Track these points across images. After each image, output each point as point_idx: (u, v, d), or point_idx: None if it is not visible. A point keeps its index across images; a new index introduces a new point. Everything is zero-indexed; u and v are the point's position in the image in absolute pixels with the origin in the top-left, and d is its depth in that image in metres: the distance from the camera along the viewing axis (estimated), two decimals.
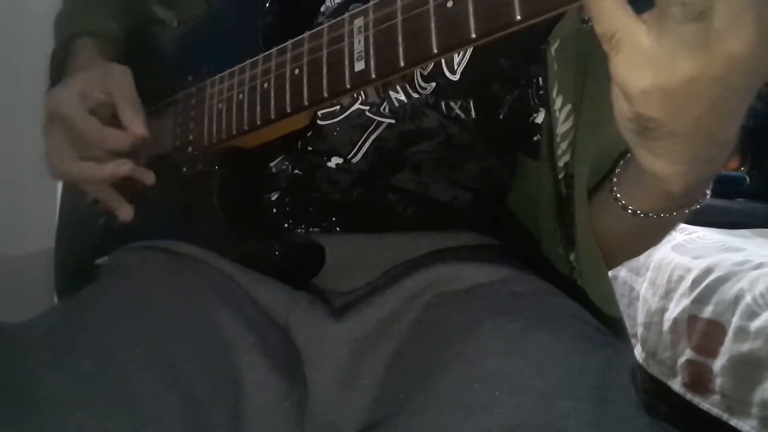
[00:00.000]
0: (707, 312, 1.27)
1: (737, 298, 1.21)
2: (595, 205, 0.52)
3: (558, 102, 0.52)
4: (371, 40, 0.43)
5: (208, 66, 0.59)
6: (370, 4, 0.43)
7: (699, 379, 1.25)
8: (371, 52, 0.43)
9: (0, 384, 0.36)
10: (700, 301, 1.29)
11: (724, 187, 1.79)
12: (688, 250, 1.44)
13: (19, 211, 1.25)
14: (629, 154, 0.48)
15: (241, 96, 0.54)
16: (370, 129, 0.57)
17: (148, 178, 0.59)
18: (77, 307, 0.48)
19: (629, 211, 0.46)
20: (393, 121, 0.57)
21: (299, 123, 0.54)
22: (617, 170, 0.49)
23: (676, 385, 1.31)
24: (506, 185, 0.64)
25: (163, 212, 0.62)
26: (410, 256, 0.55)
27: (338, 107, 0.57)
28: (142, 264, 0.56)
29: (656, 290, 1.45)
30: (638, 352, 1.46)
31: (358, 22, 0.44)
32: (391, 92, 0.57)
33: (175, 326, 0.45)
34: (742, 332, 1.17)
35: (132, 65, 0.59)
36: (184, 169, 0.61)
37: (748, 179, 1.88)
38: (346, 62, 0.44)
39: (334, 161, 0.57)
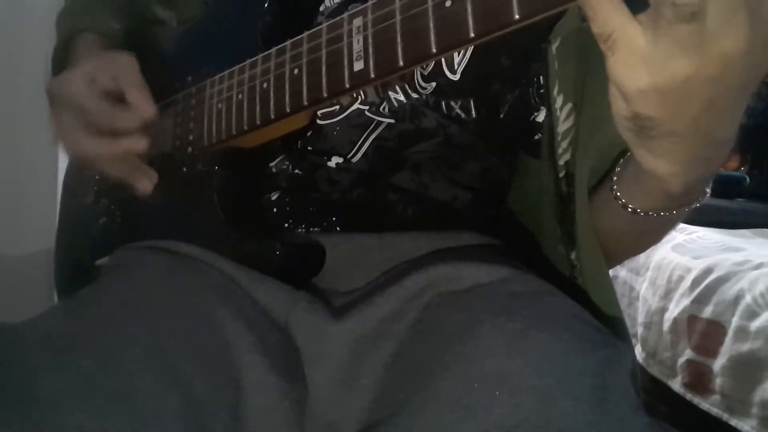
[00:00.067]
0: (707, 312, 1.27)
1: (737, 298, 1.21)
2: (595, 204, 0.52)
3: (558, 101, 0.52)
4: (370, 39, 0.43)
5: (207, 66, 0.59)
6: (369, 3, 0.43)
7: (699, 379, 1.25)
8: (370, 52, 0.43)
9: (0, 384, 0.36)
10: (700, 301, 1.29)
11: (724, 187, 1.79)
12: (688, 250, 1.44)
13: (19, 211, 1.25)
14: (629, 153, 0.48)
15: (240, 96, 0.54)
16: (370, 129, 0.57)
17: (151, 176, 0.59)
18: (77, 307, 0.48)
19: (629, 209, 0.47)
20: (393, 120, 0.57)
21: (299, 123, 0.54)
22: (617, 169, 0.49)
23: (676, 385, 1.31)
24: (506, 185, 0.64)
25: (163, 212, 0.62)
26: (410, 256, 0.55)
27: (338, 107, 0.57)
28: (142, 264, 0.56)
29: (656, 290, 1.45)
30: (638, 352, 1.46)
31: (357, 21, 0.44)
32: (390, 92, 0.57)
33: (175, 326, 0.45)
34: (742, 332, 1.17)
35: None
36: (184, 170, 0.61)
37: (748, 179, 1.88)
38: (345, 62, 0.44)
39: (334, 161, 0.57)
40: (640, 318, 1.49)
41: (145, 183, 0.59)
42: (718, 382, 1.19)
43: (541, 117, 0.57)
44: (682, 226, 1.51)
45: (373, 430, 0.42)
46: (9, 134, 1.23)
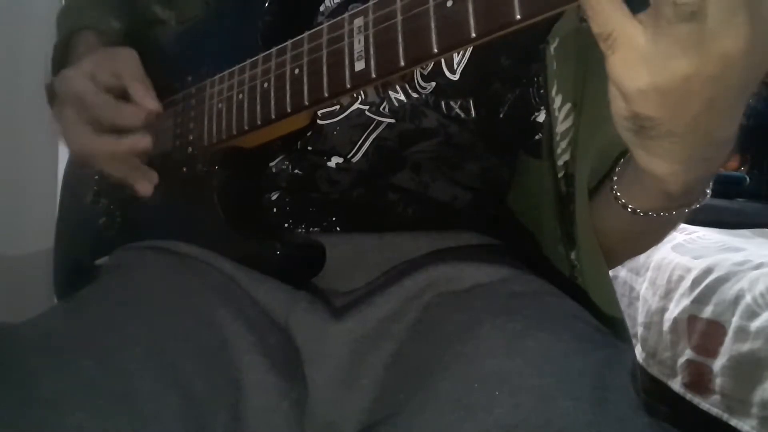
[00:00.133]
0: (707, 312, 1.27)
1: (737, 298, 1.21)
2: (595, 204, 0.52)
3: (557, 101, 0.52)
4: (371, 39, 0.43)
5: (207, 66, 0.59)
6: (370, 3, 0.43)
7: (699, 379, 1.25)
8: (371, 52, 0.43)
9: (0, 384, 0.36)
10: (700, 301, 1.29)
11: (724, 187, 1.79)
12: (688, 250, 1.44)
13: (19, 211, 1.25)
14: (629, 154, 0.48)
15: (241, 96, 0.54)
16: (370, 128, 0.57)
17: (151, 177, 0.59)
18: (77, 307, 0.48)
19: (629, 210, 0.46)
20: (393, 120, 0.57)
21: (299, 123, 0.54)
22: (617, 169, 0.49)
23: (676, 385, 1.31)
24: (506, 185, 0.64)
25: (163, 212, 0.62)
26: (410, 256, 0.55)
27: (338, 107, 0.57)
28: (142, 264, 0.56)
29: (656, 290, 1.45)
30: (638, 352, 1.46)
31: (358, 21, 0.44)
32: (390, 92, 0.57)
33: (175, 326, 0.45)
34: (742, 332, 1.17)
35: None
36: (185, 170, 0.61)
37: (748, 179, 1.88)
38: (346, 62, 0.44)
39: (334, 161, 0.57)
40: (640, 318, 1.49)
41: (145, 184, 0.59)
42: (718, 382, 1.19)
43: (541, 117, 0.57)
44: (682, 226, 1.51)
45: (373, 430, 0.42)
46: (9, 134, 1.23)
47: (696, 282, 1.32)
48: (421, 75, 0.56)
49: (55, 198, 0.83)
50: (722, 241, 1.47)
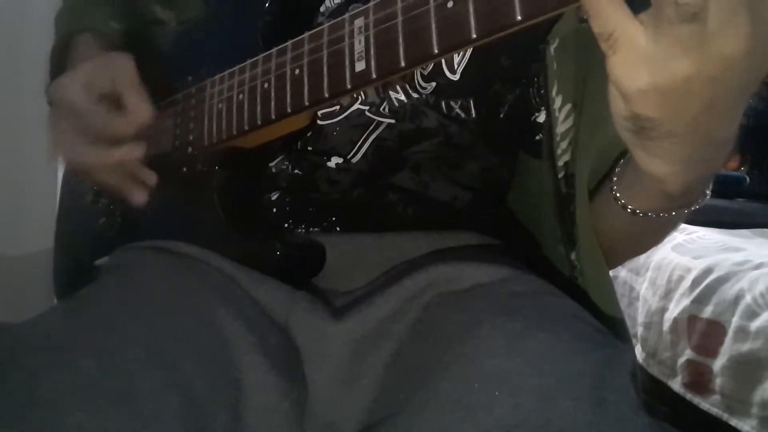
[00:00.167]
0: (707, 312, 1.27)
1: (737, 298, 1.21)
2: (595, 205, 0.52)
3: (558, 101, 0.52)
4: (372, 40, 0.43)
5: (207, 66, 0.59)
6: (371, 4, 0.43)
7: (699, 379, 1.25)
8: (372, 53, 0.43)
9: (0, 384, 0.36)
10: (700, 301, 1.29)
11: (724, 187, 1.79)
12: (688, 250, 1.44)
13: (19, 211, 1.25)
14: (629, 154, 0.48)
15: (241, 96, 0.54)
16: (370, 129, 0.57)
17: (150, 178, 0.59)
18: (77, 307, 0.48)
19: (629, 210, 0.46)
20: (393, 120, 0.57)
21: (299, 123, 0.54)
22: (617, 170, 0.49)
23: (676, 385, 1.31)
24: (506, 185, 0.64)
25: (163, 212, 0.62)
26: (410, 256, 0.55)
27: (338, 107, 0.57)
28: (142, 264, 0.56)
29: (656, 290, 1.45)
30: (638, 352, 1.46)
31: (359, 22, 0.44)
32: (390, 92, 0.57)
33: (175, 326, 0.45)
34: (742, 332, 1.17)
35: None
36: (185, 170, 0.61)
37: (748, 179, 1.88)
38: (347, 62, 0.44)
39: (334, 161, 0.57)
40: (640, 318, 1.49)
41: (139, 195, 0.59)
42: (718, 382, 1.19)
43: (541, 117, 0.57)
44: (682, 226, 1.51)
45: (373, 430, 0.42)
46: (9, 134, 1.23)
47: (696, 282, 1.32)
48: (422, 75, 0.56)
49: (55, 198, 0.83)
50: (722, 241, 1.47)
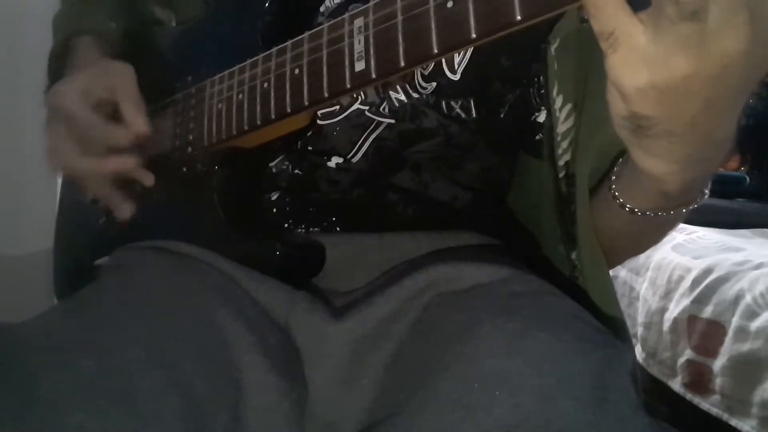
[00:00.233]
0: (707, 312, 1.27)
1: (737, 298, 1.21)
2: (595, 204, 0.52)
3: (558, 101, 0.52)
4: (371, 40, 0.43)
5: (207, 66, 0.59)
6: (371, 4, 0.43)
7: (699, 379, 1.25)
8: (371, 52, 0.43)
9: (0, 384, 0.36)
10: (700, 301, 1.29)
11: (724, 187, 1.79)
12: (688, 250, 1.44)
13: (19, 211, 1.25)
14: (627, 153, 0.48)
15: (240, 96, 0.54)
16: (370, 129, 0.57)
17: (148, 179, 0.59)
18: (77, 307, 0.48)
19: (627, 209, 0.47)
20: (393, 120, 0.57)
21: (299, 123, 0.54)
22: (615, 169, 0.49)
23: (676, 385, 1.31)
24: (506, 185, 0.64)
25: (163, 212, 0.62)
26: (410, 256, 0.55)
27: (338, 107, 0.57)
28: (142, 264, 0.56)
29: (656, 290, 1.45)
30: (638, 352, 1.46)
31: (358, 22, 0.44)
32: (390, 92, 0.57)
33: (175, 326, 0.45)
34: (742, 332, 1.17)
35: (131, 65, 0.59)
36: (184, 170, 0.61)
37: (748, 179, 1.88)
38: (347, 62, 0.44)
39: (334, 161, 0.57)
40: (640, 318, 1.49)
41: (124, 209, 0.59)
42: (718, 382, 1.19)
43: (542, 117, 0.57)
44: (682, 226, 1.51)
45: (373, 430, 0.42)
46: (9, 134, 1.23)
47: (696, 282, 1.32)
48: (422, 75, 0.56)
49: (55, 198, 0.83)
50: (722, 241, 1.47)
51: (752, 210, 1.75)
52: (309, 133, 0.57)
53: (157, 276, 0.53)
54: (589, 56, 0.50)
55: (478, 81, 0.57)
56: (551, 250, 0.58)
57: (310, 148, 0.58)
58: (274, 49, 0.51)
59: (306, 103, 0.48)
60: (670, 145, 0.36)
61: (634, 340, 1.47)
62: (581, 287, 0.53)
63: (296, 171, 0.58)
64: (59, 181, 0.83)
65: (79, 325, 0.44)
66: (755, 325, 1.15)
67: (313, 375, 0.48)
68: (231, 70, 0.55)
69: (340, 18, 0.45)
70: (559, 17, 0.49)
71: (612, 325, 0.51)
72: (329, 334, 0.49)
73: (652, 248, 0.62)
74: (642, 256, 1.53)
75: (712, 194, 0.46)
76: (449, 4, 0.38)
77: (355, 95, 0.57)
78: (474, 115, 0.58)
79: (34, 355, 0.39)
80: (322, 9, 0.58)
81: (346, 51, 0.44)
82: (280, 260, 0.54)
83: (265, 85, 0.51)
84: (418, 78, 0.56)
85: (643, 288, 1.52)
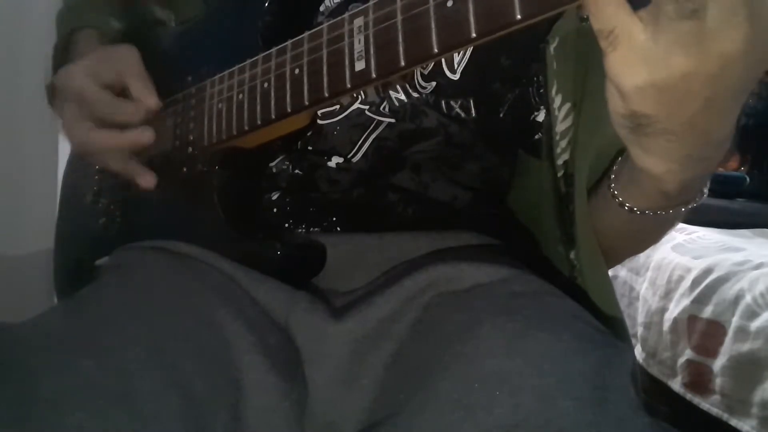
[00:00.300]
0: (707, 312, 1.27)
1: (737, 298, 1.21)
2: (594, 203, 0.52)
3: (557, 100, 0.52)
4: (371, 39, 0.43)
5: (207, 66, 0.59)
6: (370, 3, 0.43)
7: (699, 379, 1.25)
8: (371, 52, 0.43)
9: (0, 384, 0.36)
10: (700, 301, 1.29)
11: (724, 187, 1.79)
12: (688, 250, 1.44)
13: (19, 211, 1.25)
14: (626, 152, 0.48)
15: (241, 96, 0.54)
16: (370, 128, 0.57)
17: (150, 179, 0.59)
18: (77, 307, 0.48)
19: (626, 208, 0.47)
20: (393, 120, 0.57)
21: (299, 123, 0.54)
22: (614, 168, 0.49)
23: (676, 385, 1.31)
24: (506, 185, 0.64)
25: (163, 212, 0.62)
26: (410, 256, 0.55)
27: (338, 107, 0.57)
28: (142, 264, 0.56)
29: (656, 290, 1.45)
30: (638, 352, 1.46)
31: (358, 21, 0.44)
32: (391, 92, 0.57)
33: (175, 326, 0.45)
34: (742, 332, 1.17)
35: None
36: (185, 170, 0.61)
37: (748, 179, 1.88)
38: (347, 62, 0.44)
39: (334, 161, 0.57)
40: (640, 318, 1.49)
41: (147, 177, 0.59)
42: (718, 382, 1.19)
43: (541, 117, 0.57)
44: (682, 226, 1.51)
45: (373, 430, 0.42)
46: (9, 134, 1.23)
47: (696, 282, 1.32)
48: (422, 74, 0.56)
49: (55, 198, 0.83)
50: (722, 241, 1.47)
51: (752, 210, 1.75)
52: (309, 133, 0.57)
53: (157, 276, 0.53)
54: (589, 55, 0.50)
55: (477, 80, 0.57)
56: (551, 249, 0.58)
57: (310, 147, 0.58)
58: (274, 49, 0.51)
59: (306, 103, 0.48)
60: (668, 144, 0.36)
61: (634, 340, 1.47)
62: (581, 287, 0.53)
63: (296, 171, 0.58)
64: (59, 181, 0.83)
65: (79, 325, 0.44)
66: (755, 325, 1.15)
67: (313, 375, 0.48)
68: (231, 70, 0.55)
69: (340, 18, 0.45)
70: (558, 16, 0.49)
71: (611, 325, 0.51)
72: (329, 334, 0.49)
73: (652, 248, 0.62)
74: (642, 256, 1.53)
75: (712, 194, 0.46)
76: (449, 4, 0.38)
77: (355, 95, 0.57)
78: (473, 115, 0.58)
79: (34, 355, 0.39)
80: (321, 8, 0.58)
81: (346, 50, 0.44)
82: (280, 260, 0.54)
83: (266, 85, 0.51)
84: (418, 77, 0.56)
85: (643, 288, 1.52)
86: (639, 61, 0.33)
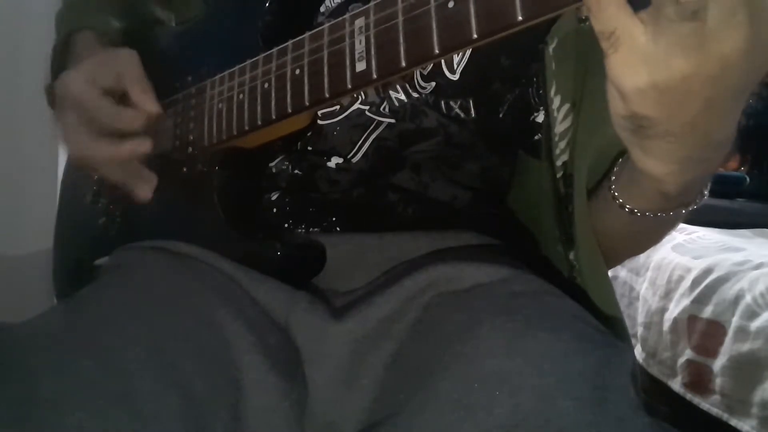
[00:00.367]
0: (707, 312, 1.27)
1: (737, 298, 1.21)
2: (594, 204, 0.52)
3: (556, 101, 0.52)
4: (372, 40, 0.43)
5: (207, 66, 0.59)
6: (371, 4, 0.43)
7: (699, 379, 1.25)
8: (372, 53, 0.43)
9: (0, 384, 0.36)
10: (700, 301, 1.29)
11: (724, 187, 1.79)
12: (688, 250, 1.44)
13: (19, 211, 1.25)
14: (627, 154, 0.48)
15: (241, 96, 0.54)
16: (370, 129, 0.57)
17: (151, 180, 0.59)
18: (77, 307, 0.48)
19: (627, 210, 0.47)
20: (393, 120, 0.57)
21: (299, 123, 0.54)
22: (615, 169, 0.49)
23: (676, 385, 1.31)
24: (506, 185, 0.64)
25: (163, 212, 0.62)
26: (410, 256, 0.55)
27: (338, 107, 0.57)
28: (142, 264, 0.56)
29: (656, 290, 1.45)
30: (638, 352, 1.46)
31: (359, 22, 0.44)
32: (391, 92, 0.57)
33: (175, 326, 0.45)
34: (742, 332, 1.17)
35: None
36: (185, 170, 0.61)
37: (748, 179, 1.88)
38: (348, 62, 0.44)
39: (334, 161, 0.57)
40: (640, 318, 1.49)
41: (145, 188, 0.59)
42: (718, 382, 1.19)
43: (540, 117, 0.57)
44: (682, 226, 1.51)
45: (373, 430, 0.42)
46: (9, 134, 1.23)
47: (696, 282, 1.32)
48: (421, 75, 0.56)
49: (55, 198, 0.83)
50: (722, 241, 1.47)
51: (752, 210, 1.75)
52: (309, 133, 0.57)
53: (157, 276, 0.53)
54: (588, 56, 0.50)
55: (477, 81, 0.57)
56: (551, 250, 0.58)
57: (310, 148, 0.58)
58: (274, 50, 0.51)
59: (307, 104, 0.48)
60: (668, 145, 0.36)
61: (634, 340, 1.47)
62: (581, 287, 0.53)
63: (296, 171, 0.58)
64: (59, 181, 0.83)
65: (79, 325, 0.44)
66: (755, 325, 1.15)
67: (313, 375, 0.48)
68: (231, 70, 0.55)
69: (341, 18, 0.45)
70: (557, 17, 0.49)
71: (611, 325, 0.51)
72: (329, 334, 0.49)
73: (652, 248, 0.62)
74: (642, 256, 1.53)
75: (712, 194, 0.46)
76: (450, 5, 0.38)
77: (355, 95, 0.57)
78: (473, 115, 0.58)
79: (34, 355, 0.39)
80: (322, 9, 0.58)
81: (347, 51, 0.44)
82: (280, 260, 0.54)
83: (266, 85, 0.51)
84: (418, 78, 0.56)
85: (643, 288, 1.52)
86: (640, 62, 0.33)
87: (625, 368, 0.39)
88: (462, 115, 0.58)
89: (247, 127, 0.53)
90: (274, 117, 0.51)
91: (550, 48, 0.50)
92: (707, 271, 1.32)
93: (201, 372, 0.43)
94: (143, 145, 0.56)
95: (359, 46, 0.44)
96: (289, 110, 0.49)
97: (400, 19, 0.41)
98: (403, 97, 0.57)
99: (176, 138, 0.62)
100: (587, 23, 0.34)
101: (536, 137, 0.58)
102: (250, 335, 0.47)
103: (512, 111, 0.59)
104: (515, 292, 0.47)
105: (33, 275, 1.00)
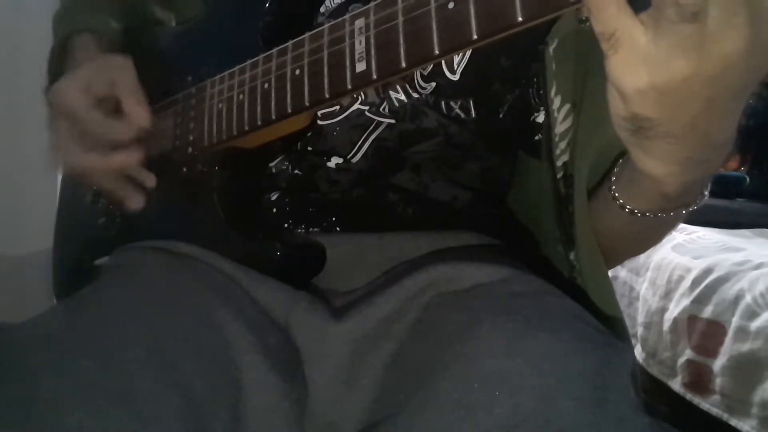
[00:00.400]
0: (707, 312, 1.27)
1: (737, 298, 1.21)
2: (595, 205, 0.52)
3: (556, 102, 0.52)
4: (372, 40, 0.43)
5: (207, 66, 0.59)
6: (371, 4, 0.43)
7: (699, 379, 1.25)
8: (372, 53, 0.43)
9: (0, 384, 0.36)
10: (700, 301, 1.29)
11: (724, 187, 1.79)
12: (688, 250, 1.44)
13: (19, 211, 1.25)
14: (627, 154, 0.48)
15: (241, 96, 0.54)
16: (370, 129, 0.57)
17: (149, 180, 0.59)
18: (77, 307, 0.48)
19: (627, 210, 0.47)
20: (393, 121, 0.57)
21: (299, 123, 0.54)
22: (615, 170, 0.49)
23: (676, 385, 1.31)
24: (506, 185, 0.64)
25: (163, 212, 0.62)
26: (410, 256, 0.55)
27: (338, 107, 0.57)
28: (142, 264, 0.56)
29: (656, 290, 1.45)
30: (638, 352, 1.46)
31: (359, 22, 0.44)
32: (391, 92, 0.57)
33: (175, 326, 0.45)
34: (742, 332, 1.17)
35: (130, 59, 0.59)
36: (185, 170, 0.61)
37: (748, 179, 1.88)
38: (348, 63, 0.44)
39: (334, 161, 0.57)
40: (640, 318, 1.49)
41: (135, 200, 0.59)
42: (718, 382, 1.19)
43: (541, 118, 0.57)
44: (682, 226, 1.51)
45: (373, 430, 0.42)
46: (9, 134, 1.23)
47: (696, 282, 1.32)
48: (422, 75, 0.56)
49: (55, 198, 0.83)
50: (722, 241, 1.47)
51: (752, 210, 1.75)
52: (309, 134, 0.57)
53: (157, 276, 0.53)
54: (588, 56, 0.50)
55: (477, 81, 0.57)
56: (551, 250, 0.58)
57: (310, 148, 0.58)
58: (274, 50, 0.51)
59: (307, 104, 0.48)
60: (669, 146, 0.37)
61: (634, 340, 1.47)
62: (581, 287, 0.53)
63: (296, 171, 0.58)
64: (59, 181, 0.83)
65: (79, 325, 0.44)
66: (755, 325, 1.15)
67: (313, 375, 0.48)
68: (231, 70, 0.55)
69: (341, 19, 0.45)
70: (557, 18, 0.49)
71: (611, 325, 0.51)
72: (329, 334, 0.49)
73: (652, 248, 0.62)
74: (642, 256, 1.53)
75: (712, 194, 0.46)
76: (450, 5, 0.38)
77: (355, 95, 0.57)
78: (473, 116, 0.58)
79: (34, 355, 0.39)
80: (322, 9, 0.58)
81: (347, 52, 0.44)
82: (280, 260, 0.54)
83: (266, 85, 0.51)
84: (418, 78, 0.56)
85: (643, 288, 1.52)
86: (640, 63, 0.33)
87: (625, 368, 0.39)
88: (462, 115, 0.58)
89: (247, 128, 0.53)
90: (274, 117, 0.51)
91: (551, 49, 0.50)
92: (707, 271, 1.32)
93: (201, 372, 0.43)
94: (133, 156, 0.57)
95: (359, 47, 0.44)
96: (289, 110, 0.50)
97: (400, 19, 0.41)
98: (403, 97, 0.57)
99: (176, 138, 0.62)
100: (587, 24, 0.34)
101: (536, 138, 0.58)
102: (250, 335, 0.47)
103: (512, 111, 0.59)
104: (515, 293, 0.47)
105: (33, 275, 1.00)
